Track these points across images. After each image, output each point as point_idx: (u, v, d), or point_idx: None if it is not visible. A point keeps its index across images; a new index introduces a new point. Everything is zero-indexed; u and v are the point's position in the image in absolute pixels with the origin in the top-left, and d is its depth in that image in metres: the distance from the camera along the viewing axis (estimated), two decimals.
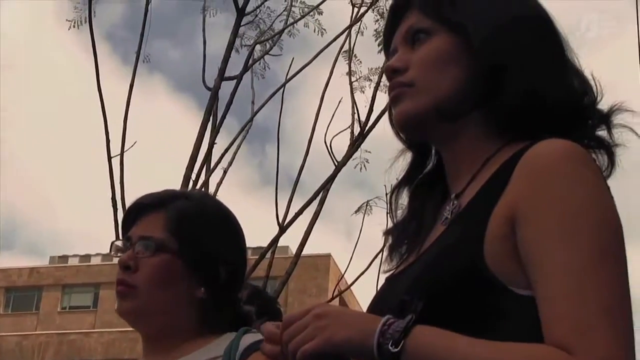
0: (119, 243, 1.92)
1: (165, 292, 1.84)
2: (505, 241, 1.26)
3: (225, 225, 1.95)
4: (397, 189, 1.56)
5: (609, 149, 1.41)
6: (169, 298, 1.84)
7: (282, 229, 6.25)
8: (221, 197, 6.68)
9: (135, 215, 1.93)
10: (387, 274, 1.51)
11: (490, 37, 1.41)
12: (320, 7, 7.76)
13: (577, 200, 1.25)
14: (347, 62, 7.62)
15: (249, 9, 6.98)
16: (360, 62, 7.74)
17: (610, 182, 1.37)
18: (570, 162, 1.27)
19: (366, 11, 7.40)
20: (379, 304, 1.39)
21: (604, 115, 1.42)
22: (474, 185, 1.38)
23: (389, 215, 1.60)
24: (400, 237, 1.52)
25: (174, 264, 1.85)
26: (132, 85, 6.52)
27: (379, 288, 1.50)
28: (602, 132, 1.42)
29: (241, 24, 6.65)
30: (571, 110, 1.39)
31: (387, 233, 1.56)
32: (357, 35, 7.63)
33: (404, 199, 1.56)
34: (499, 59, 1.40)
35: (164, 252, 1.85)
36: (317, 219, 6.79)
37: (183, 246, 1.86)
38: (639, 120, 1.42)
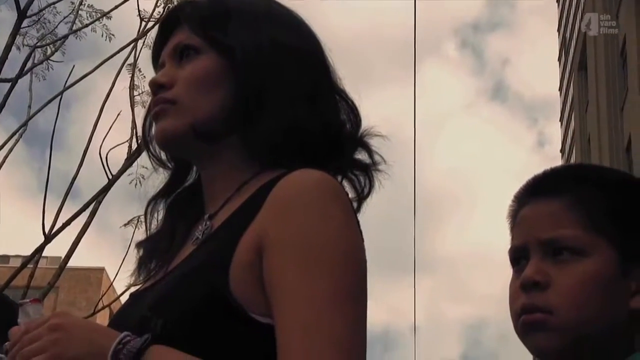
0: None
1: None
2: (251, 269, 1.26)
3: None
4: (154, 201, 1.54)
5: (367, 171, 1.45)
6: None
7: (48, 238, 6.12)
8: None
9: None
10: (133, 289, 1.48)
11: (255, 63, 1.42)
12: (110, 13, 7.67)
13: (323, 233, 1.26)
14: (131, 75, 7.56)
15: (34, 10, 6.82)
16: (144, 76, 7.69)
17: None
18: (319, 195, 1.28)
19: (153, 26, 7.37)
20: (120, 320, 1.35)
21: (357, 139, 1.46)
22: (228, 208, 1.38)
23: (145, 228, 1.55)
24: (151, 251, 1.50)
25: None
26: None
27: (123, 303, 1.46)
28: (361, 155, 1.46)
29: (22, 26, 6.49)
30: (329, 140, 1.41)
31: (138, 246, 1.53)
32: (141, 48, 7.60)
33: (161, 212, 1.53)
34: (260, 85, 1.41)
35: None
36: (86, 230, 6.67)
37: None
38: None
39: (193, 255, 1.37)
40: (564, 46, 34.03)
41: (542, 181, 1.47)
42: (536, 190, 1.45)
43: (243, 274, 1.26)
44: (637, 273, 1.38)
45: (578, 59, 28.99)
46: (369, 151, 1.47)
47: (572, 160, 29.85)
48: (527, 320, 1.36)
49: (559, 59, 35.62)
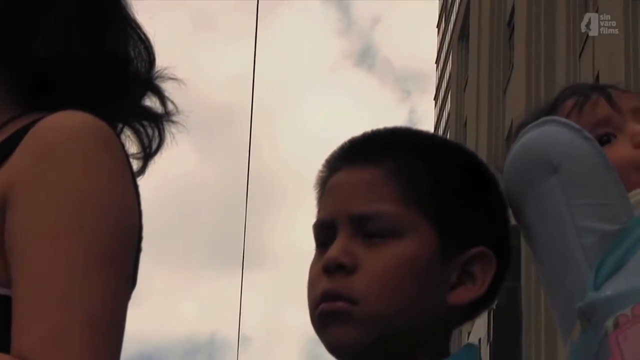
0: None
1: None
2: None
3: None
4: None
5: (158, 121, 1.41)
6: None
7: None
8: None
9: None
10: None
11: None
12: None
13: (85, 189, 1.20)
14: None
15: None
16: None
17: None
18: (86, 143, 1.23)
19: None
20: None
21: (148, 81, 1.40)
22: None
23: None
24: None
25: None
26: None
27: None
28: (152, 102, 1.40)
29: None
30: (111, 77, 1.36)
31: None
32: None
33: None
34: (26, 5, 1.35)
35: None
36: None
37: None
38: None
39: None
40: (444, 11, 34.66)
41: (359, 145, 1.42)
42: (352, 156, 1.40)
43: None
44: (458, 261, 1.36)
45: (459, 28, 29.59)
46: (162, 98, 1.41)
47: None
48: (327, 308, 1.32)
49: (438, 26, 36.30)
